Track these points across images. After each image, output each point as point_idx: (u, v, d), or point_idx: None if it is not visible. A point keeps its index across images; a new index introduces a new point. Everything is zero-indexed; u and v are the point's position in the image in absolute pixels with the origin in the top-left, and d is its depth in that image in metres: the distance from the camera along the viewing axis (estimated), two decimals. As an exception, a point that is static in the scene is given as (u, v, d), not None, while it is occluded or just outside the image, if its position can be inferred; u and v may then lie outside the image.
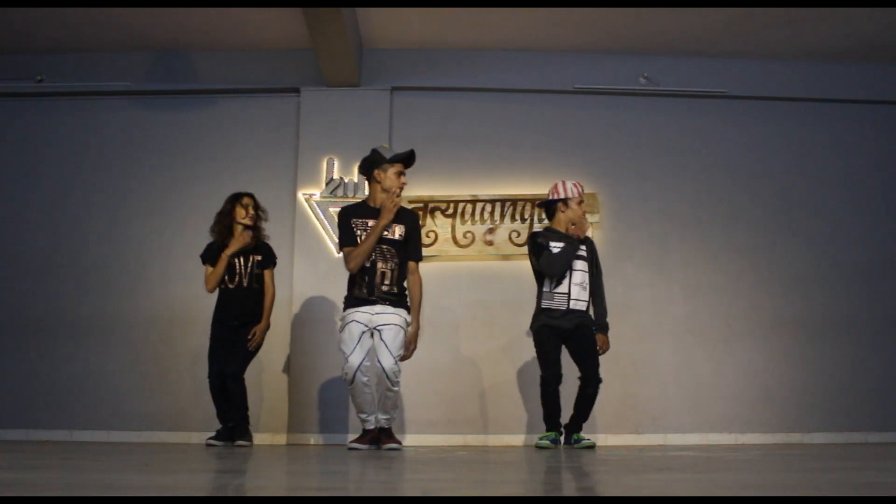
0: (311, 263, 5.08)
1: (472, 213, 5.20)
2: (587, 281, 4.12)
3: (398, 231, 3.78)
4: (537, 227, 4.51)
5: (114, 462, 2.49)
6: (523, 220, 5.20)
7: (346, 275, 5.01)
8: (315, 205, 5.14)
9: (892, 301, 5.26)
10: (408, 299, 3.82)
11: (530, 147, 5.32)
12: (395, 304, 3.74)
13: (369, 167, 3.80)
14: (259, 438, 4.85)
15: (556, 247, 4.03)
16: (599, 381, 4.01)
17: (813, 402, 5.10)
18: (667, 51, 5.41)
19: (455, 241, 5.17)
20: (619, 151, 5.37)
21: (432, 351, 5.03)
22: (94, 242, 5.19)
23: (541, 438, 3.99)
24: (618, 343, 5.24)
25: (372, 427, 3.78)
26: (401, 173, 3.79)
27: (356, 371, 3.59)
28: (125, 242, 5.19)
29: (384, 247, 3.76)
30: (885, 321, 5.22)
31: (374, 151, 3.81)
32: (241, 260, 4.26)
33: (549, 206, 4.20)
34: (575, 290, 4.06)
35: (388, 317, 3.70)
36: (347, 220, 3.79)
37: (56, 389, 4.98)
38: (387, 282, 3.75)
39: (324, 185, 5.17)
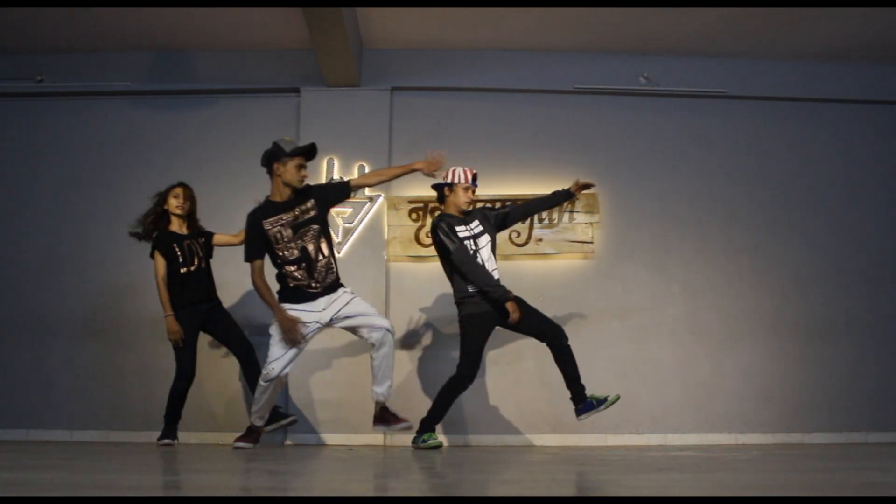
0: (311, 263, 5.07)
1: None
2: (493, 251, 4.18)
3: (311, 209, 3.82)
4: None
5: (114, 462, 2.49)
6: (523, 220, 5.19)
7: (345, 276, 5.02)
8: (315, 205, 5.13)
9: (892, 301, 5.26)
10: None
11: (530, 147, 5.32)
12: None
13: (269, 160, 3.79)
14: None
15: (461, 230, 4.09)
16: (561, 328, 4.04)
17: (813, 402, 5.10)
18: (667, 51, 5.41)
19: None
20: (619, 151, 5.37)
21: (432, 351, 5.03)
22: (94, 242, 5.18)
23: (425, 440, 4.05)
24: (617, 343, 5.26)
25: (260, 424, 3.93)
26: (301, 166, 3.78)
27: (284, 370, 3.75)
28: (125, 242, 5.17)
29: (304, 231, 3.78)
30: (885, 321, 5.22)
31: (275, 144, 3.80)
32: (187, 244, 4.28)
33: (440, 194, 4.27)
34: (488, 264, 4.10)
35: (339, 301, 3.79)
36: (258, 227, 3.76)
37: (56, 389, 4.98)
38: (332, 270, 3.84)
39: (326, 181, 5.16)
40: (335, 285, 3.86)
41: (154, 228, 4.31)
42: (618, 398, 3.97)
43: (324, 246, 3.82)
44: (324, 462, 2.69)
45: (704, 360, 5.12)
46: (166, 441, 4.23)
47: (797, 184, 5.40)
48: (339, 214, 5.14)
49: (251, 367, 4.21)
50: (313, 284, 3.79)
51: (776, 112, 5.49)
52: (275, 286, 3.89)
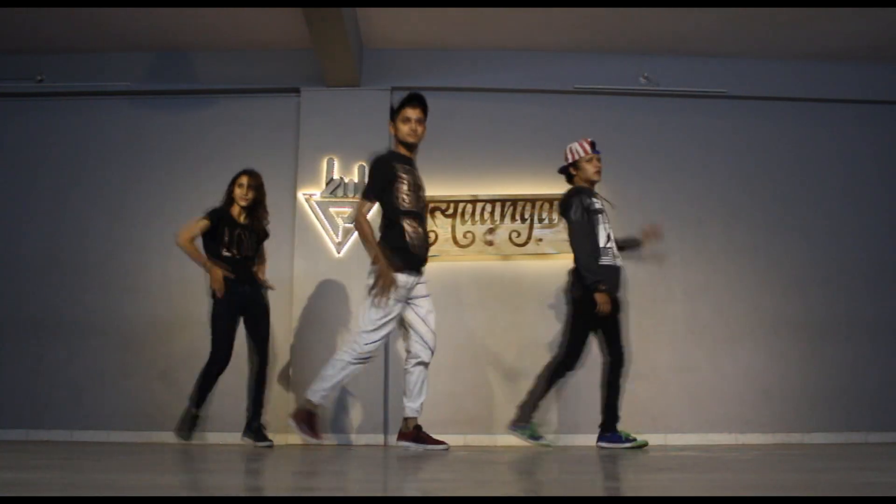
0: (311, 263, 5.08)
1: (472, 214, 5.20)
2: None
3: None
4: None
5: (114, 462, 2.49)
6: (523, 220, 5.20)
7: (344, 276, 5.02)
8: (315, 205, 5.14)
9: (892, 301, 5.26)
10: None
11: (530, 147, 5.31)
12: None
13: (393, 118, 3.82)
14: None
15: (596, 202, 4.02)
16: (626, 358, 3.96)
17: (813, 402, 5.10)
18: (667, 51, 5.41)
19: (455, 242, 5.17)
20: (619, 151, 5.36)
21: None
22: (94, 242, 5.19)
23: (535, 436, 3.99)
24: (618, 343, 5.26)
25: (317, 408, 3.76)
26: (407, 119, 3.73)
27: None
28: (125, 242, 5.19)
29: (422, 196, 3.78)
30: (885, 321, 5.22)
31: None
32: (238, 233, 4.20)
33: (567, 175, 4.20)
34: (610, 242, 4.00)
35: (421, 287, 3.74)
36: (389, 166, 3.69)
37: (56, 389, 4.98)
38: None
39: (324, 185, 5.17)
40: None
41: (220, 208, 4.23)
42: (645, 444, 3.94)
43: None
44: (324, 462, 2.69)
45: (704, 360, 5.12)
46: (184, 434, 4.11)
47: (797, 184, 5.40)
48: (339, 214, 5.14)
49: (260, 379, 4.18)
50: (424, 252, 3.72)
51: (776, 112, 5.49)
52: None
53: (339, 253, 5.09)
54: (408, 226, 3.66)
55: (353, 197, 5.16)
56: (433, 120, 5.36)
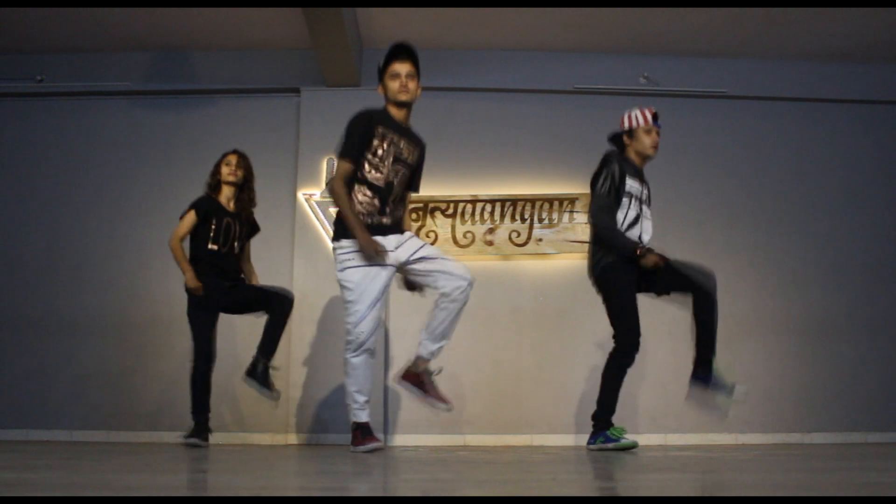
0: (311, 263, 5.08)
1: (472, 214, 5.20)
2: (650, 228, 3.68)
3: (413, 156, 3.43)
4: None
5: (114, 462, 2.49)
6: (523, 220, 5.20)
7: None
8: (315, 205, 5.14)
9: (892, 301, 5.26)
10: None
11: (530, 147, 5.31)
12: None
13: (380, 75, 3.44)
14: (259, 439, 4.86)
15: (629, 184, 3.59)
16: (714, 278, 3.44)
17: (813, 402, 5.10)
18: (667, 51, 5.41)
19: (455, 242, 5.17)
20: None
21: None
22: (94, 242, 5.19)
23: (615, 437, 3.47)
24: (618, 343, 5.25)
25: (364, 420, 3.30)
26: (396, 75, 3.36)
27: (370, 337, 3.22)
28: (125, 242, 5.19)
29: (399, 167, 3.35)
30: (885, 321, 5.22)
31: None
32: (227, 222, 4.04)
33: (619, 144, 3.80)
34: (645, 237, 3.65)
35: (412, 242, 3.33)
36: (370, 126, 3.30)
37: (56, 389, 4.98)
38: (400, 209, 3.38)
39: (324, 185, 5.17)
40: (401, 226, 3.42)
41: (206, 196, 4.09)
42: (744, 398, 3.43)
43: (401, 196, 3.43)
44: (324, 462, 2.69)
45: (704, 360, 5.11)
46: (192, 440, 3.82)
47: (797, 184, 5.40)
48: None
49: (279, 319, 3.92)
50: (383, 220, 3.32)
51: (776, 112, 5.49)
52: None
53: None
54: (360, 191, 3.30)
55: (353, 197, 5.17)
56: (433, 120, 5.39)
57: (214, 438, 4.77)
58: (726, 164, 5.42)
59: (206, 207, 4.05)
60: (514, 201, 5.22)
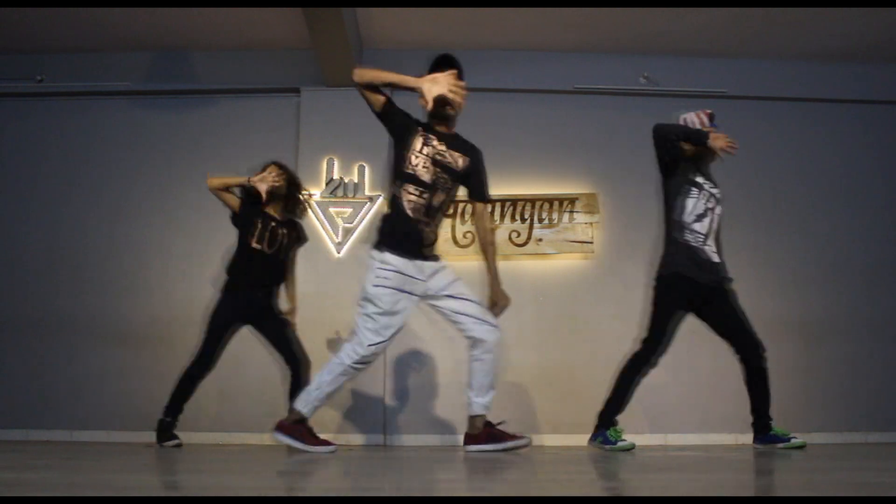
0: (311, 264, 5.07)
1: (473, 214, 5.18)
2: (718, 230, 3.57)
3: (461, 162, 3.27)
4: None
5: (114, 462, 2.49)
6: (523, 220, 5.20)
7: (344, 276, 4.96)
8: (315, 205, 5.14)
9: (892, 301, 5.26)
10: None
11: (530, 147, 5.31)
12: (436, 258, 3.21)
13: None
14: (259, 439, 4.85)
15: (701, 179, 3.58)
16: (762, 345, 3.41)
17: (813, 402, 5.09)
18: (667, 51, 5.41)
19: (455, 242, 5.17)
20: (619, 151, 5.36)
21: (432, 351, 5.03)
22: (94, 242, 5.19)
23: (612, 439, 3.47)
24: (617, 343, 5.24)
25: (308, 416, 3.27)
26: (443, 101, 3.23)
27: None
28: (125, 242, 5.19)
29: (439, 170, 3.18)
30: (885, 321, 5.22)
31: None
32: (272, 226, 3.95)
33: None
34: (711, 236, 3.56)
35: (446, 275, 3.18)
36: (410, 119, 3.28)
37: (56, 389, 4.98)
38: (436, 228, 3.22)
39: (324, 185, 5.17)
40: (435, 248, 3.27)
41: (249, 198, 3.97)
42: (804, 445, 3.48)
43: (443, 210, 3.27)
44: (324, 462, 2.69)
45: (704, 360, 5.11)
46: (171, 443, 3.85)
47: (797, 184, 5.40)
48: (339, 215, 5.14)
49: (298, 383, 3.86)
50: (426, 230, 3.17)
51: (776, 112, 5.49)
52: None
53: (339, 253, 5.10)
54: (408, 190, 3.17)
55: (353, 197, 5.17)
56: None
57: (215, 438, 4.79)
58: (726, 163, 5.37)
59: (251, 203, 3.96)
60: (514, 201, 5.22)
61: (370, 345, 3.12)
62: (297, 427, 3.28)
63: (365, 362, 3.21)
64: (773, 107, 5.49)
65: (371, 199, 5.18)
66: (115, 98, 5.38)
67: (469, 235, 5.17)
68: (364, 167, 5.17)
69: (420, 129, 3.28)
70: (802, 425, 5.06)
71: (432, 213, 3.22)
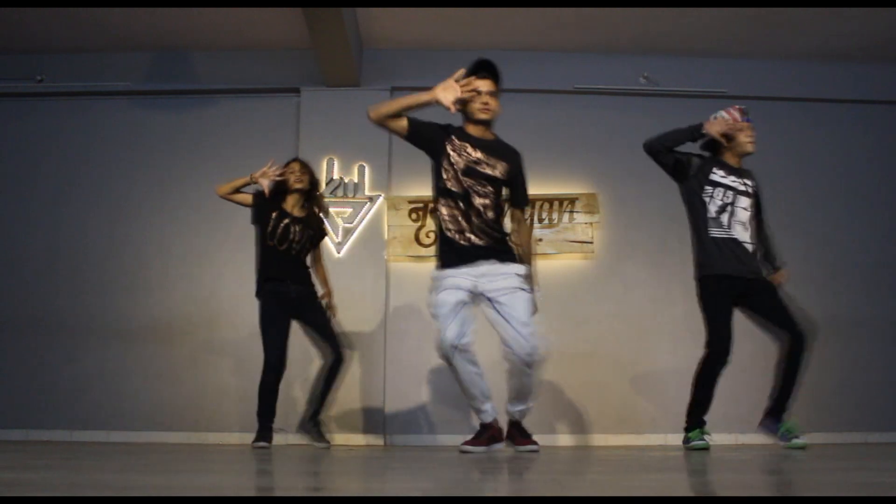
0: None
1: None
2: (752, 224, 3.59)
3: (499, 168, 3.25)
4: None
5: (114, 462, 2.49)
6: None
7: (344, 276, 4.97)
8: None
9: (892, 301, 5.26)
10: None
11: (530, 147, 5.26)
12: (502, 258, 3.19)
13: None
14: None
15: (719, 175, 3.57)
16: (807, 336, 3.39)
17: (813, 402, 5.09)
18: (667, 51, 5.41)
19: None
20: (619, 151, 5.36)
21: (431, 351, 5.02)
22: (94, 242, 5.19)
23: (690, 439, 3.49)
24: (617, 343, 5.26)
25: (489, 420, 3.21)
26: (476, 92, 3.21)
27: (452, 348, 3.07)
28: (125, 242, 5.19)
29: (475, 179, 3.17)
30: (885, 321, 5.22)
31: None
32: (288, 223, 3.98)
33: (711, 147, 3.75)
34: (737, 229, 3.55)
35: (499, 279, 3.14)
36: (442, 133, 3.25)
37: (56, 389, 4.98)
38: (497, 230, 3.20)
39: (324, 186, 5.16)
40: (505, 252, 3.26)
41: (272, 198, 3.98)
42: (805, 447, 3.47)
43: (490, 212, 3.25)
44: (324, 462, 2.69)
45: (704, 360, 5.11)
46: (261, 444, 3.83)
47: (796, 184, 5.40)
48: (339, 215, 5.15)
49: (330, 375, 3.96)
50: (470, 237, 3.17)
51: (776, 112, 5.48)
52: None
53: (339, 253, 5.10)
54: (442, 204, 3.20)
55: (353, 197, 5.17)
56: (434, 120, 5.38)
57: (215, 438, 4.79)
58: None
59: (265, 201, 3.97)
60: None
61: (435, 341, 3.17)
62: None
63: (444, 356, 3.18)
64: (773, 107, 5.49)
65: (371, 199, 5.18)
66: (115, 98, 5.38)
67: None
68: (364, 167, 5.17)
69: (452, 137, 3.26)
70: (802, 425, 5.06)
71: (474, 217, 3.21)
